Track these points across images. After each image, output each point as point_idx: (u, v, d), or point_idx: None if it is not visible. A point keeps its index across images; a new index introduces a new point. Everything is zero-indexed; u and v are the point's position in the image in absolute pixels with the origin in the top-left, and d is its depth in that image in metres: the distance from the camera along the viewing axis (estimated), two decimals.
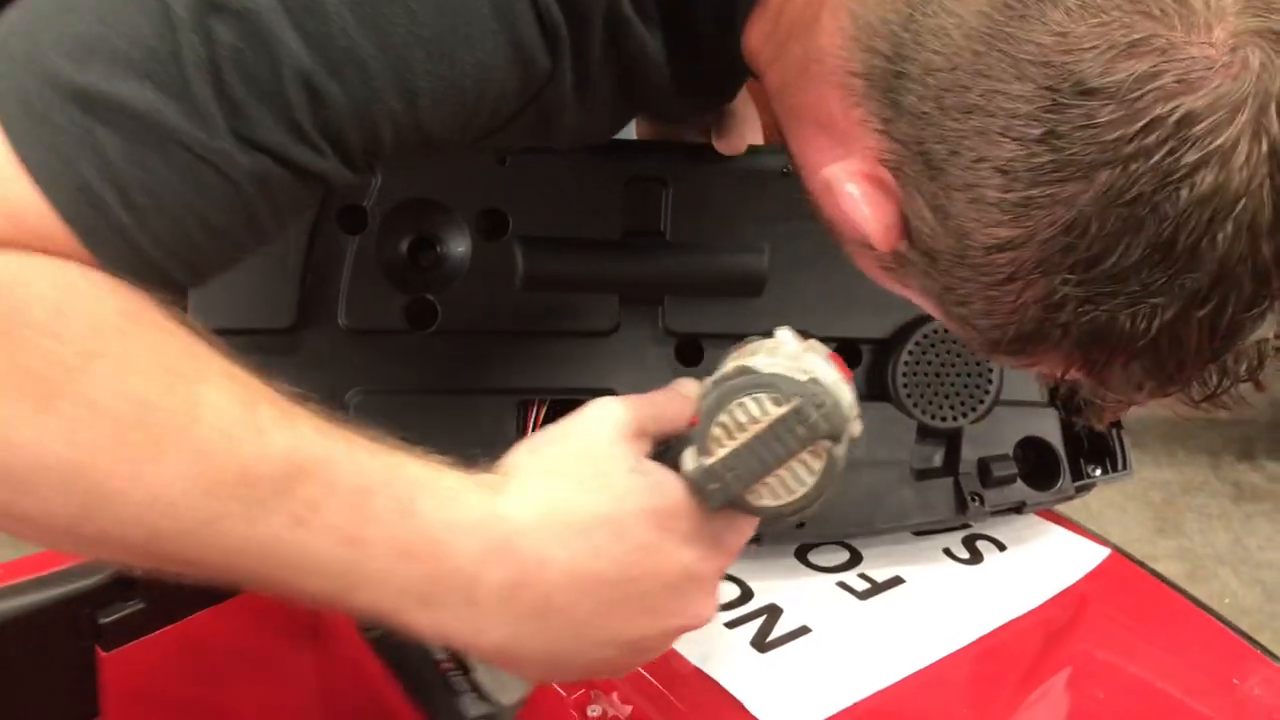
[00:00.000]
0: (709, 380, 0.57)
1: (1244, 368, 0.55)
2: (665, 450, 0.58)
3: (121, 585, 0.83)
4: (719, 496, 0.54)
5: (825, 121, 0.58)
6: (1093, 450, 0.92)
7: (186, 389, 0.46)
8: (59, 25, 0.47)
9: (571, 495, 0.53)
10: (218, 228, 0.50)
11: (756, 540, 0.81)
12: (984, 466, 0.87)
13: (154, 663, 0.84)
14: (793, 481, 0.55)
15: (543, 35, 0.55)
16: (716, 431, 0.54)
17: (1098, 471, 0.91)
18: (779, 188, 0.84)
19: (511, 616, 0.52)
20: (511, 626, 0.52)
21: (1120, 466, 0.91)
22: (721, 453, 0.54)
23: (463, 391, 0.81)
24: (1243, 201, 0.47)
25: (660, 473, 0.55)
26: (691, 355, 0.86)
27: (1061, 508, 0.95)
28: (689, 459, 0.55)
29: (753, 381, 0.54)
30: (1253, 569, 2.11)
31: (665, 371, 0.85)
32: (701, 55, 0.64)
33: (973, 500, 0.86)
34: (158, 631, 0.86)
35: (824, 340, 0.87)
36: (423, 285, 0.82)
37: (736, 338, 0.86)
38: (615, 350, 0.84)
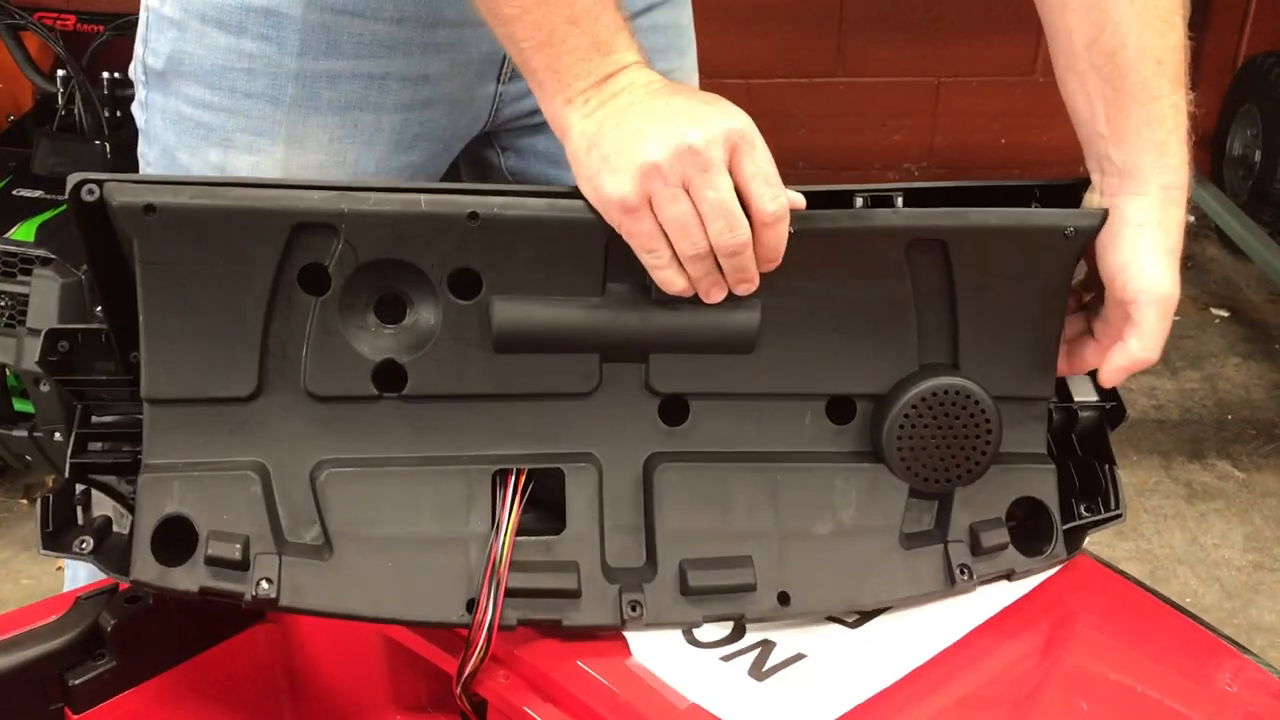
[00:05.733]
0: None
1: None
2: None
3: (91, 644, 0.80)
4: None
5: None
6: (1083, 490, 0.88)
7: None
8: None
9: None
10: None
11: (740, 616, 0.78)
12: (974, 535, 0.82)
13: None
14: None
15: None
16: None
17: (1087, 511, 0.86)
18: None
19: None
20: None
21: (1112, 507, 0.86)
22: None
23: (435, 460, 0.77)
24: None
25: None
26: (676, 414, 0.82)
27: None
28: None
29: None
30: (1210, 567, 2.15)
31: (648, 433, 0.81)
32: None
33: (961, 573, 0.81)
34: (128, 691, 0.83)
35: (817, 396, 0.83)
36: (391, 348, 0.77)
37: (726, 396, 0.82)
38: (595, 412, 0.80)
